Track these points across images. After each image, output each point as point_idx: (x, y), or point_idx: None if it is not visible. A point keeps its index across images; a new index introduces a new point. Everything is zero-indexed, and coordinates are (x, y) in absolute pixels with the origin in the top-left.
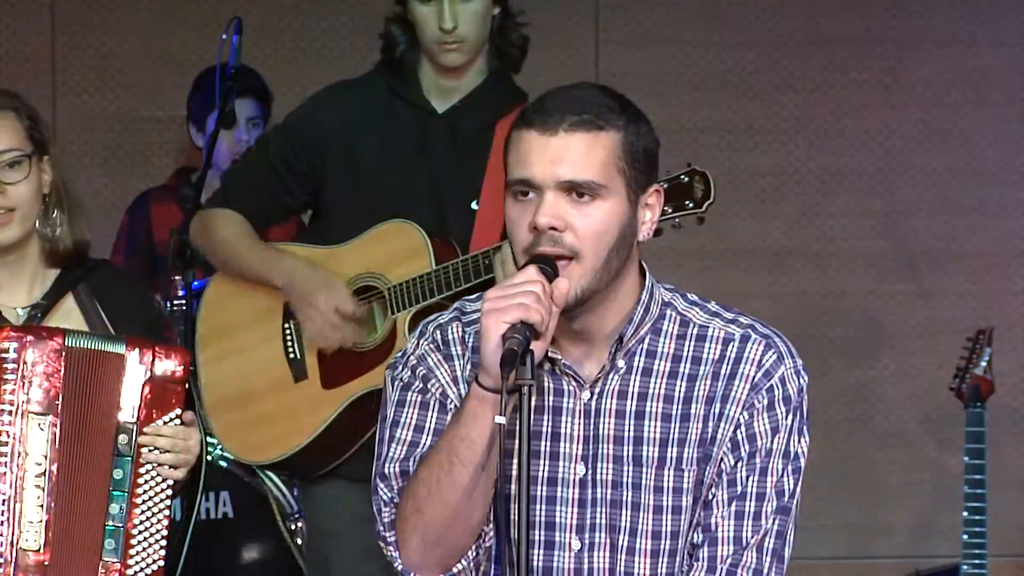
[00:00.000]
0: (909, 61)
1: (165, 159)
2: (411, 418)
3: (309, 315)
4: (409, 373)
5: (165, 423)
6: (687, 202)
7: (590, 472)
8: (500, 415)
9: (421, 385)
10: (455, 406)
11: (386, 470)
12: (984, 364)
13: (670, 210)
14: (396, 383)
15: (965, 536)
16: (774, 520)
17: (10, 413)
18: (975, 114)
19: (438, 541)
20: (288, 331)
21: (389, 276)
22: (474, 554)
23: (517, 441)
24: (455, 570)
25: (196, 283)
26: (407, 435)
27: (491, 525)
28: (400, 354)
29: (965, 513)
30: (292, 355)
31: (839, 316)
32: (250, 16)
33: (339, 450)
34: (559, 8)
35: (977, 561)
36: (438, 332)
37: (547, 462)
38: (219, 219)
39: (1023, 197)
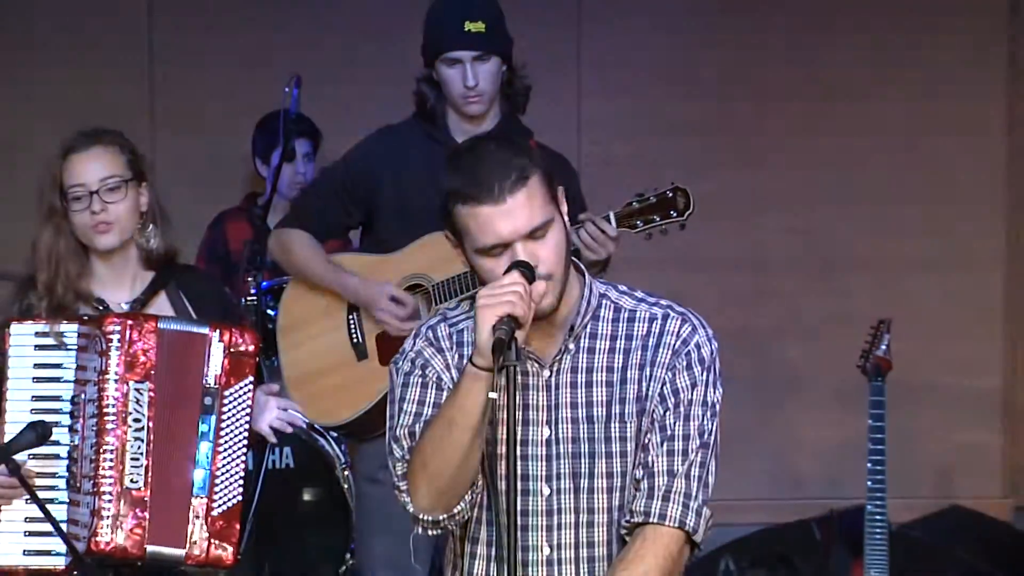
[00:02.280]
0: (823, 108)
1: (237, 186)
2: (414, 395)
3: (380, 317)
4: (409, 364)
5: (242, 387)
6: (672, 212)
7: (553, 433)
8: (493, 391)
9: (420, 372)
10: (448, 387)
11: (397, 433)
12: (884, 347)
13: (658, 219)
14: (399, 372)
15: (869, 482)
16: (697, 454)
17: (115, 380)
18: (876, 149)
19: (441, 489)
20: (352, 321)
21: (433, 276)
22: (469, 498)
23: (505, 409)
24: (455, 511)
25: (264, 283)
26: (412, 408)
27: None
28: (400, 352)
29: (869, 464)
30: (355, 340)
31: (769, 309)
32: (307, 70)
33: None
34: (545, 65)
35: (879, 502)
36: (430, 332)
37: (518, 428)
38: (293, 238)
39: (912, 214)
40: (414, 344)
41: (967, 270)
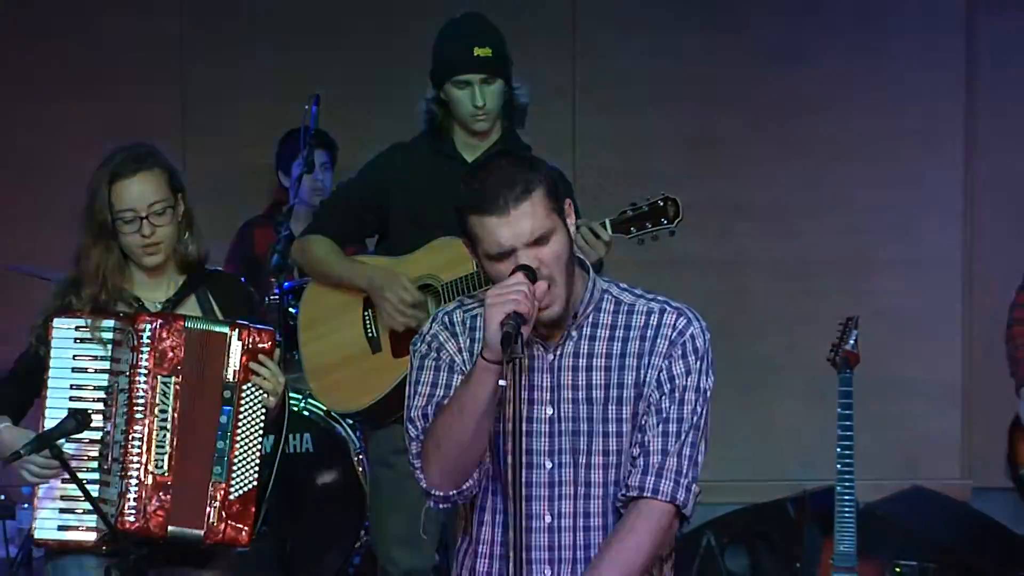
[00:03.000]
0: (796, 124)
1: (262, 195)
2: (429, 377)
3: (383, 305)
4: (426, 347)
5: (266, 367)
6: (663, 219)
7: (556, 411)
8: (502, 379)
9: (435, 355)
10: (461, 370)
11: (412, 415)
12: (852, 342)
13: (650, 226)
14: (417, 354)
15: (838, 465)
16: (689, 436)
17: (145, 374)
18: (844, 162)
19: (452, 467)
20: (367, 317)
21: (442, 277)
22: (477, 475)
23: (511, 394)
24: (463, 488)
25: (286, 284)
26: (427, 389)
27: (488, 454)
28: (419, 334)
29: (838, 449)
30: (370, 335)
31: (748, 307)
32: (326, 88)
33: (402, 404)
34: (544, 88)
35: (847, 483)
36: (446, 317)
37: (524, 406)
38: (314, 243)
39: (878, 221)
40: (431, 328)
41: (928, 272)
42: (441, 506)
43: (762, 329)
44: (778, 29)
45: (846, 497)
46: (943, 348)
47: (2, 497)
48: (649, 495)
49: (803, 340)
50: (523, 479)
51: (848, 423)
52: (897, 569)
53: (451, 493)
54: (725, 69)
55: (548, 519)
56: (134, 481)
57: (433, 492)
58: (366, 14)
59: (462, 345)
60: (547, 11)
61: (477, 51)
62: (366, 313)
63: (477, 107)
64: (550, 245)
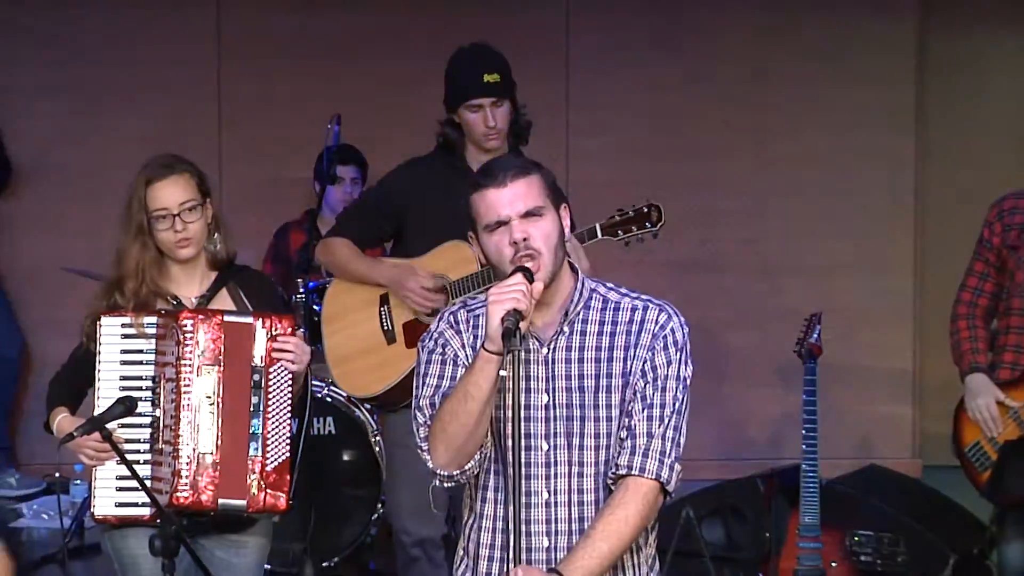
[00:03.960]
0: (767, 140)
1: (290, 204)
2: (435, 370)
3: (406, 296)
4: (433, 343)
5: (288, 344)
6: (647, 224)
7: (551, 399)
8: (503, 369)
9: (441, 350)
10: (464, 364)
11: (420, 403)
12: (816, 336)
13: (635, 229)
14: (425, 350)
15: (804, 446)
16: (671, 419)
17: (189, 365)
18: (807, 174)
19: (456, 449)
20: (383, 312)
21: (450, 276)
22: (478, 457)
23: (511, 383)
24: (466, 468)
25: (311, 283)
26: (434, 381)
27: (489, 437)
28: (427, 332)
29: (803, 431)
30: (385, 328)
31: (722, 304)
32: (352, 105)
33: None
34: (541, 107)
35: (811, 461)
36: (451, 316)
37: (522, 395)
38: (337, 244)
39: (838, 227)
40: (438, 326)
41: (883, 273)
42: (446, 485)
43: (736, 324)
44: (750, 56)
45: (810, 474)
46: (896, 341)
47: (58, 475)
48: (636, 473)
49: (772, 334)
50: (522, 459)
51: (812, 408)
52: (856, 538)
53: (455, 473)
54: (704, 92)
55: (545, 495)
56: (185, 461)
57: (438, 472)
58: (385, 39)
59: (465, 341)
60: (542, 44)
61: (487, 77)
62: (382, 309)
63: (489, 127)
64: (541, 222)
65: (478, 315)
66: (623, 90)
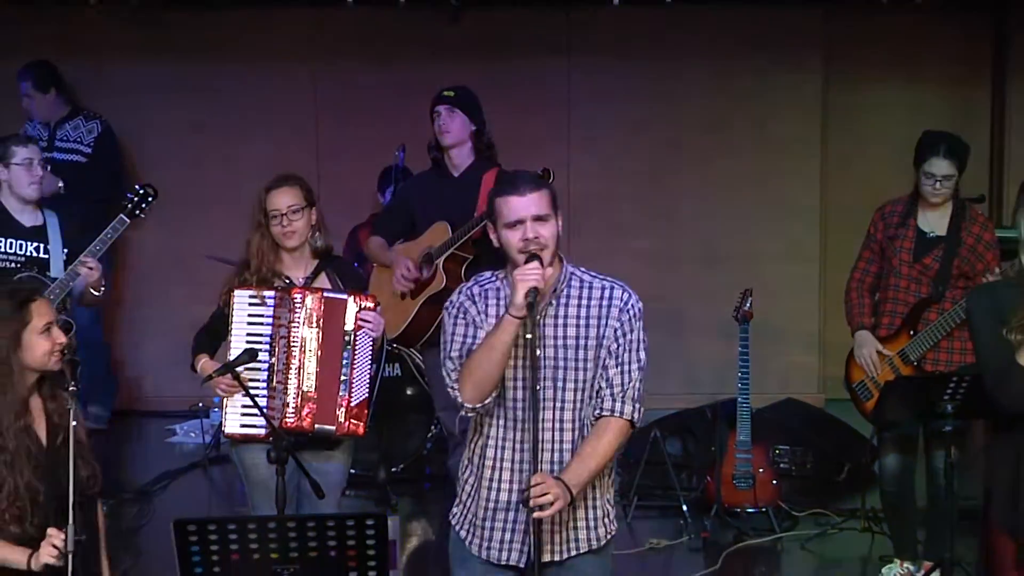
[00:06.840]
0: (713, 162)
1: (367, 208)
2: (460, 330)
3: (394, 277)
4: (456, 310)
5: (369, 318)
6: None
7: (543, 353)
8: (528, 333)
9: (463, 316)
10: (479, 325)
11: (451, 354)
12: (748, 305)
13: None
14: (449, 316)
15: (739, 385)
16: (637, 374)
17: (297, 327)
18: (743, 187)
19: (480, 388)
20: None
21: (434, 245)
22: (496, 393)
23: (529, 337)
24: (486, 402)
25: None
26: (459, 339)
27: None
28: (450, 301)
29: (739, 373)
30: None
31: (681, 282)
32: (416, 141)
33: (425, 327)
34: (545, 132)
35: (745, 395)
36: (468, 291)
37: (521, 351)
38: (372, 241)
39: (765, 225)
40: (459, 298)
41: (797, 260)
42: (470, 414)
43: (690, 296)
44: (703, 102)
45: (744, 405)
46: (806, 309)
47: (200, 404)
48: (615, 415)
49: (717, 304)
50: (529, 399)
51: (745, 357)
52: (776, 451)
53: (478, 406)
54: (671, 127)
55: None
56: (292, 396)
57: (465, 405)
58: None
59: (480, 309)
60: (548, 85)
61: (444, 93)
62: None
63: (442, 130)
64: (547, 224)
65: (487, 289)
66: (613, 123)
